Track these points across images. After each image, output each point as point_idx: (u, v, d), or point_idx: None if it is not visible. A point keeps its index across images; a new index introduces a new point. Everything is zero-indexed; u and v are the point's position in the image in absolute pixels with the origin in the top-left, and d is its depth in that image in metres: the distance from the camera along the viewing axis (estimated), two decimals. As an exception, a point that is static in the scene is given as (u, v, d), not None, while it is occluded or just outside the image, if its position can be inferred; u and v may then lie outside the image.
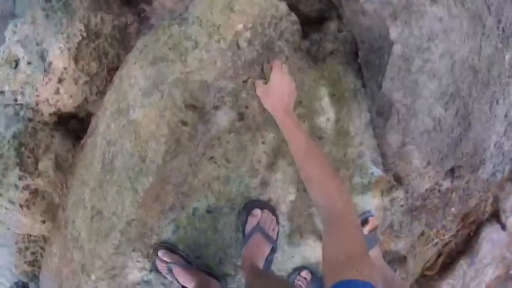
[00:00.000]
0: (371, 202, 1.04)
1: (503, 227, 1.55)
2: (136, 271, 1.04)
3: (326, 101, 0.89)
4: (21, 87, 1.10)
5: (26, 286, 1.86)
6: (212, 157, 0.84)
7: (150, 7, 1.23)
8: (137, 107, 0.84)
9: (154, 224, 0.90)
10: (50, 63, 1.04)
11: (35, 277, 1.63)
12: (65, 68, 1.05)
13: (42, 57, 1.03)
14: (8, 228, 1.36)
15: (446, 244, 1.55)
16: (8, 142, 1.21)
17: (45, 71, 1.03)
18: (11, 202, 1.18)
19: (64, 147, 1.23)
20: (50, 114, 1.21)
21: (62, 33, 1.06)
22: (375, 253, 1.02)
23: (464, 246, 1.57)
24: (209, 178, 0.86)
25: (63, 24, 1.09)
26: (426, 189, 1.20)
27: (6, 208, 1.19)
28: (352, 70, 0.91)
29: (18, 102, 1.18)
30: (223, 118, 0.79)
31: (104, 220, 0.92)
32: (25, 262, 1.62)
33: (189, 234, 0.93)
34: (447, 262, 1.59)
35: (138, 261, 1.02)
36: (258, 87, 0.78)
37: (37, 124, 1.27)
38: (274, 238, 0.88)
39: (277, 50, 0.85)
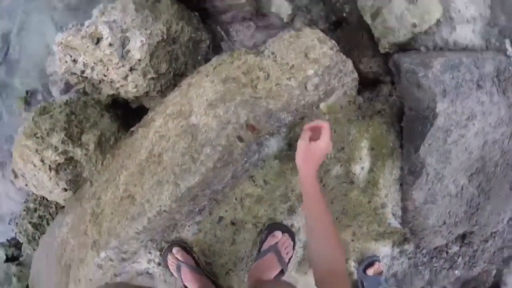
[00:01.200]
0: (381, 249, 1.10)
1: None
2: (144, 261, 1.09)
3: (365, 152, 0.98)
4: (94, 63, 1.20)
5: (18, 247, 1.88)
6: (252, 176, 0.92)
7: (225, 32, 1.38)
8: (199, 114, 0.94)
9: (180, 221, 0.97)
10: (128, 51, 1.16)
11: (33, 240, 1.66)
12: (139, 60, 1.16)
13: (123, 43, 1.15)
14: (26, 185, 1.41)
15: None
16: (60, 106, 1.30)
17: (122, 56, 1.15)
18: (42, 161, 1.24)
19: (110, 128, 1.33)
20: (108, 95, 1.31)
21: (146, 29, 1.19)
22: None
23: None
24: (243, 193, 0.93)
25: (149, 22, 1.22)
26: (436, 248, 1.26)
27: (34, 165, 1.25)
28: (394, 131, 1.01)
29: (85, 74, 1.28)
30: (274, 144, 0.89)
31: (134, 205, 0.99)
32: (29, 222, 1.65)
33: (207, 239, 0.98)
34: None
35: (149, 252, 1.08)
36: (302, 142, 0.79)
37: (89, 100, 1.37)
38: (286, 261, 0.94)
39: (335, 99, 0.96)
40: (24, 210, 1.69)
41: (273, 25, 1.34)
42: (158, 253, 1.06)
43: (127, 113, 1.40)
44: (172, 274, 1.04)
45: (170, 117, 1.02)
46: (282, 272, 0.93)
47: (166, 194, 0.91)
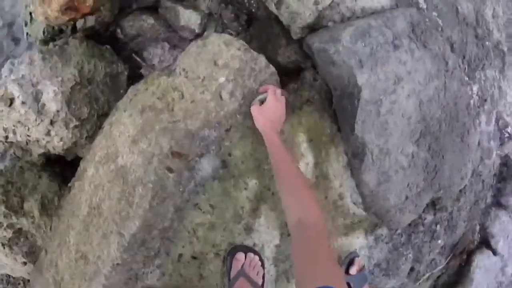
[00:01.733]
0: (355, 242, 1.08)
1: (494, 252, 1.59)
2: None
3: (304, 146, 0.95)
4: (14, 126, 1.13)
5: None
6: (197, 204, 0.88)
7: (140, 58, 1.32)
8: (125, 153, 0.89)
9: (139, 270, 0.92)
10: (44, 105, 1.09)
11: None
12: (57, 111, 1.10)
13: (37, 98, 1.08)
14: None
15: (439, 277, 1.57)
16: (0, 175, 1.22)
17: (38, 112, 1.07)
18: None
19: (50, 188, 1.25)
20: (39, 155, 1.24)
21: (57, 77, 1.12)
22: None
23: (457, 277, 1.59)
24: (194, 224, 0.89)
25: (58, 68, 1.15)
26: (410, 224, 1.25)
27: None
28: (328, 116, 0.99)
29: (9, 140, 1.20)
30: (207, 165, 0.85)
31: (88, 264, 0.93)
32: None
33: (174, 280, 0.94)
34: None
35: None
36: (254, 106, 0.85)
37: (25, 164, 1.29)
38: (260, 282, 0.90)
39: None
40: (-5, 293, 1.60)
41: (186, 39, 1.29)
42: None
43: (65, 168, 1.32)
44: None
45: (99, 164, 0.96)
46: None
47: (113, 247, 0.85)
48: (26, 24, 1.46)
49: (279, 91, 0.87)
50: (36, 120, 1.09)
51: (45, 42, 1.38)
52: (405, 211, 1.02)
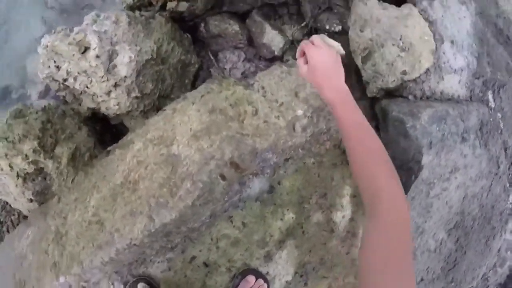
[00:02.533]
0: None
1: None
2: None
3: (347, 200, 0.97)
4: (78, 72, 1.14)
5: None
6: (231, 216, 0.88)
7: (214, 57, 1.36)
8: (182, 144, 0.90)
9: (149, 256, 0.91)
10: (115, 66, 1.11)
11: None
12: (125, 77, 1.12)
13: (111, 57, 1.10)
14: None
15: None
16: (37, 112, 1.22)
17: (107, 70, 1.09)
18: (10, 166, 1.15)
19: (86, 143, 1.26)
20: (88, 108, 1.25)
21: (136, 45, 1.15)
22: None
23: None
24: (220, 234, 0.89)
25: (140, 38, 1.18)
26: None
27: (2, 169, 1.16)
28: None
29: (66, 83, 1.22)
30: (257, 185, 0.86)
31: (103, 232, 0.92)
32: None
33: (176, 278, 0.93)
34: None
35: (112, 284, 1.00)
36: (301, 68, 0.74)
37: (68, 110, 1.30)
38: None
39: (320, 142, 0.94)
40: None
41: (263, 57, 1.33)
42: (121, 286, 0.99)
43: (105, 129, 1.34)
44: None
45: (150, 143, 0.98)
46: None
47: (138, 227, 0.85)
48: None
49: (317, 38, 0.74)
50: (102, 77, 1.11)
51: (131, 8, 1.43)
52: None
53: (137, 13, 1.29)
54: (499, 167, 1.09)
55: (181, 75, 1.28)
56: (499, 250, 1.29)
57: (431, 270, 1.01)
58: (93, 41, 1.06)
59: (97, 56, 1.06)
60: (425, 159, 0.89)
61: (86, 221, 0.99)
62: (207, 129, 0.89)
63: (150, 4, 1.40)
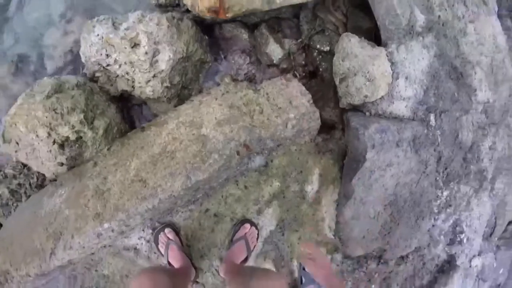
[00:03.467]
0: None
1: None
2: (136, 237, 1.51)
3: (315, 177, 1.55)
4: (125, 62, 1.55)
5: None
6: (237, 181, 1.43)
7: (225, 59, 1.86)
8: (209, 128, 1.42)
9: (179, 206, 1.43)
10: (156, 61, 1.56)
11: (6, 206, 1.91)
12: (162, 70, 1.58)
13: (154, 54, 1.55)
14: (16, 151, 1.67)
15: None
16: (73, 88, 1.61)
17: (150, 64, 1.55)
18: (49, 133, 1.51)
19: (115, 118, 1.72)
20: (121, 90, 1.70)
21: (172, 45, 1.59)
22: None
23: None
24: (228, 192, 1.43)
25: (174, 39, 1.62)
26: (357, 262, 1.85)
27: (37, 136, 1.55)
28: (338, 165, 1.60)
29: (109, 67, 1.61)
30: (258, 161, 1.41)
31: (146, 188, 1.41)
32: (7, 188, 1.91)
33: (193, 225, 1.46)
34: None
35: (143, 230, 1.50)
36: (309, 267, 1.10)
37: (95, 88, 1.73)
38: (251, 250, 1.45)
39: (301, 136, 1.51)
40: (1, 176, 1.94)
41: (263, 64, 1.86)
42: (150, 231, 1.49)
43: (124, 108, 1.80)
44: (157, 251, 1.47)
45: (183, 124, 1.48)
46: (246, 259, 1.43)
47: (178, 183, 1.36)
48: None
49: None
50: (146, 69, 1.56)
51: (160, 6, 1.85)
52: (359, 245, 1.64)
53: (169, 14, 1.69)
54: (426, 167, 1.73)
55: (198, 70, 1.78)
56: (428, 230, 1.95)
57: (370, 231, 1.63)
58: (143, 40, 1.51)
59: (146, 53, 1.52)
60: (369, 155, 1.50)
61: (128, 180, 1.47)
62: (228, 119, 1.41)
63: (178, 5, 1.84)
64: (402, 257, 1.97)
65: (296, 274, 1.63)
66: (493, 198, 2.37)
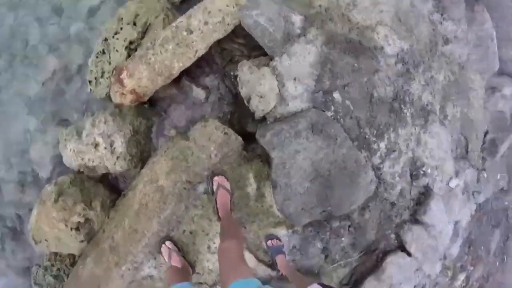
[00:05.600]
0: (279, 232, 2.66)
1: (409, 254, 2.94)
2: (146, 268, 2.61)
3: (252, 179, 2.57)
4: (94, 158, 2.72)
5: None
6: (195, 205, 2.48)
7: (165, 113, 2.94)
8: (162, 179, 2.49)
9: (165, 232, 2.51)
10: (114, 148, 2.69)
11: (54, 288, 3.11)
12: (121, 152, 2.70)
13: (111, 144, 2.68)
14: (47, 246, 2.89)
15: (356, 266, 3.07)
16: (69, 186, 2.80)
17: (111, 152, 2.68)
18: (65, 225, 2.74)
19: (105, 194, 2.86)
20: (102, 174, 2.85)
21: (120, 131, 2.71)
22: (281, 259, 2.60)
23: (373, 268, 3.08)
24: (193, 214, 2.49)
25: (120, 125, 2.74)
26: (318, 225, 2.76)
27: (59, 229, 2.75)
28: (266, 164, 2.60)
29: (87, 164, 2.80)
30: (201, 187, 2.46)
31: (138, 233, 2.51)
32: (51, 275, 3.12)
33: (179, 244, 2.53)
34: (359, 279, 3.12)
35: (149, 261, 2.61)
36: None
37: (83, 176, 2.89)
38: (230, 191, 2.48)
39: (229, 156, 2.54)
40: (43, 269, 3.15)
41: (195, 104, 2.90)
42: (154, 260, 2.58)
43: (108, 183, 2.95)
44: (162, 258, 2.55)
45: (146, 183, 2.57)
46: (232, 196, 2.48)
47: (155, 223, 2.44)
48: (90, 83, 3.05)
49: None
50: (109, 157, 2.69)
51: (104, 100, 2.99)
52: (302, 216, 2.59)
53: (112, 107, 2.85)
54: (336, 140, 2.66)
55: (148, 134, 2.88)
56: (371, 181, 2.86)
57: (307, 203, 2.58)
58: (100, 140, 2.65)
59: (105, 148, 2.65)
60: (273, 154, 2.45)
61: (126, 233, 2.59)
62: (172, 168, 2.48)
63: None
64: (363, 208, 2.86)
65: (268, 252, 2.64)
66: (450, 123, 3.20)
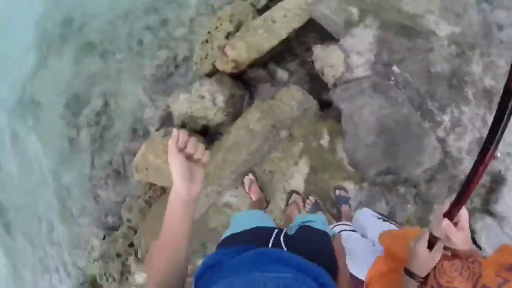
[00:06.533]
0: (348, 186, 3.11)
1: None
2: (228, 195, 3.19)
3: (325, 134, 3.11)
4: (198, 108, 3.46)
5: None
6: (276, 148, 3.07)
7: (255, 88, 3.64)
8: (252, 124, 3.13)
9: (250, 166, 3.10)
10: (216, 102, 3.42)
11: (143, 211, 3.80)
12: (220, 106, 3.41)
13: (214, 99, 3.42)
14: (146, 175, 3.61)
15: None
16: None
17: (213, 104, 3.40)
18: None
19: (203, 141, 3.56)
20: (202, 125, 3.57)
21: (221, 92, 3.45)
22: (346, 208, 3.02)
23: None
24: (274, 156, 3.07)
25: (221, 87, 3.49)
26: (385, 187, 3.18)
27: (161, 160, 3.45)
28: (339, 124, 3.13)
29: (191, 114, 3.54)
30: (282, 134, 3.05)
31: (227, 162, 3.12)
32: (143, 200, 3.82)
33: (259, 182, 3.09)
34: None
35: (231, 189, 3.19)
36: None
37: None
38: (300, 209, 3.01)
39: (307, 113, 3.12)
40: (136, 197, 3.88)
41: (279, 83, 3.58)
42: (235, 191, 3.15)
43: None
44: (243, 189, 3.09)
45: (239, 128, 3.21)
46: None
47: (243, 154, 3.05)
48: (196, 64, 3.92)
49: None
50: (212, 107, 3.41)
51: (207, 75, 3.81)
52: (370, 167, 3.01)
53: (213, 77, 3.64)
54: (397, 100, 3.12)
55: (240, 101, 3.58)
56: (435, 148, 3.21)
57: (374, 156, 3.02)
58: (206, 94, 3.42)
59: (209, 100, 3.39)
60: (343, 106, 3.01)
61: (217, 163, 3.22)
62: (259, 118, 3.11)
63: (217, 70, 3.76)
64: (430, 180, 3.20)
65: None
66: None
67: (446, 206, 1.03)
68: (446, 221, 1.02)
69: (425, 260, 1.10)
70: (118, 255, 3.90)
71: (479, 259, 1.08)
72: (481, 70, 3.29)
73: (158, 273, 1.00)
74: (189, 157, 1.02)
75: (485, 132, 3.23)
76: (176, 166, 0.99)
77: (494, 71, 3.23)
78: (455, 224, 1.02)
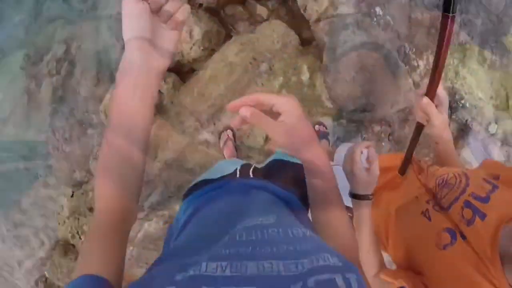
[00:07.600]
0: (326, 120, 3.15)
1: None
2: (205, 132, 3.14)
3: (305, 69, 3.10)
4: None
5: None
6: (255, 82, 3.02)
7: (232, 26, 3.55)
8: (231, 57, 3.06)
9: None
10: (193, 35, 3.29)
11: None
12: (197, 40, 3.29)
13: (191, 32, 3.28)
14: None
15: None
16: None
17: (189, 37, 3.27)
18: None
19: (176, 78, 3.44)
20: (176, 62, 3.44)
21: (197, 25, 3.34)
22: (324, 143, 3.07)
23: None
24: (253, 90, 3.03)
25: (197, 21, 3.37)
26: (360, 122, 3.26)
27: None
28: (319, 60, 3.13)
29: None
30: (263, 67, 3.00)
31: (205, 96, 3.05)
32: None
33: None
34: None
35: (209, 126, 3.13)
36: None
37: None
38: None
39: (288, 47, 3.09)
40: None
41: (258, 21, 3.50)
42: (213, 127, 3.10)
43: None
44: (218, 144, 3.06)
45: (217, 61, 3.13)
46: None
47: (221, 87, 2.99)
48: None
49: None
50: (188, 40, 3.28)
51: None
52: (347, 102, 3.08)
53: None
54: (378, 39, 3.17)
55: (217, 36, 3.47)
56: (410, 89, 3.32)
57: (353, 91, 3.08)
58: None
59: (185, 31, 3.25)
60: (326, 39, 3.01)
61: (195, 98, 3.13)
62: (240, 49, 3.04)
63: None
64: (404, 120, 3.33)
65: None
66: (489, 68, 3.62)
67: (424, 88, 1.06)
68: (426, 99, 1.04)
69: (366, 179, 1.14)
70: (90, 209, 3.76)
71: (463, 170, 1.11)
72: (458, 26, 3.43)
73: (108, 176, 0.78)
74: (156, 11, 0.73)
75: (457, 84, 3.31)
76: (131, 15, 0.68)
77: (470, 28, 3.39)
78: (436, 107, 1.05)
